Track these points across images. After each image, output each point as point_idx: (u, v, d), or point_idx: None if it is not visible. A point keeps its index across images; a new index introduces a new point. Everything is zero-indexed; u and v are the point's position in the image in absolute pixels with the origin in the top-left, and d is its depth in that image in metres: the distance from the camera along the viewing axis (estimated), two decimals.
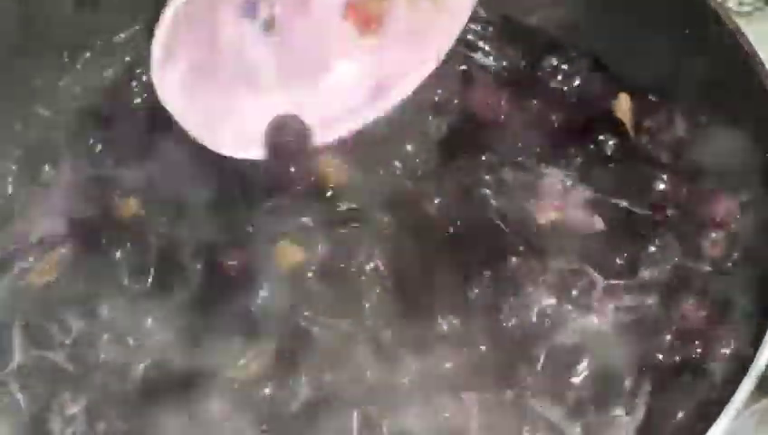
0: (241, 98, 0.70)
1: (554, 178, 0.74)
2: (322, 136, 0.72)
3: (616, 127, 0.76)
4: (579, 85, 0.80)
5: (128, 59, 0.83)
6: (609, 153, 0.76)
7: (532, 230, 0.72)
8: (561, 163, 0.75)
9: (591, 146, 0.75)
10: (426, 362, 0.67)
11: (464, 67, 0.80)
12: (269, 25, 0.68)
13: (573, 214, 0.73)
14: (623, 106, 0.77)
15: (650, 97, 0.77)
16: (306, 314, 0.69)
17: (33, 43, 0.77)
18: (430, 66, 0.66)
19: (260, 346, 0.67)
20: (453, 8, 0.64)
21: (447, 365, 0.67)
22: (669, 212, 0.73)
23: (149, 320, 0.69)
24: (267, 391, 0.66)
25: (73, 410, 0.67)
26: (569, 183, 0.74)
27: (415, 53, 0.67)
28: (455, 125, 0.78)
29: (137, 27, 0.83)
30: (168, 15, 0.65)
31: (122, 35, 0.83)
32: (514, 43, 0.82)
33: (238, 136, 0.71)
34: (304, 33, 0.68)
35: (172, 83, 0.67)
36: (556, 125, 0.78)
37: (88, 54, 0.82)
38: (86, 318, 0.70)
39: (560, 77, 0.79)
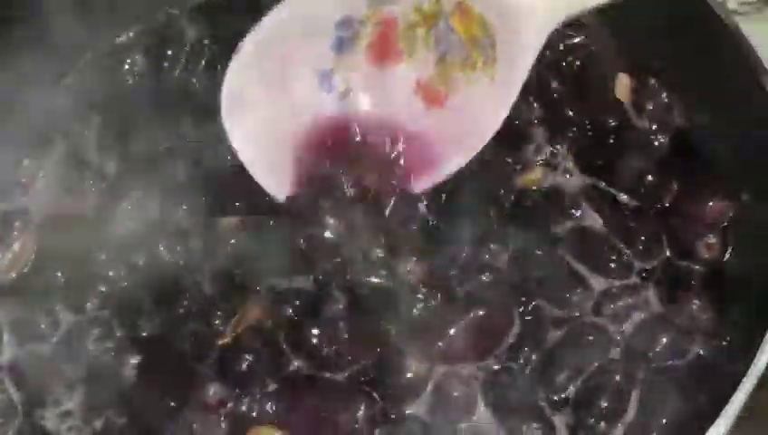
0: (309, 149, 0.74)
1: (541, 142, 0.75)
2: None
3: (614, 105, 0.76)
4: (583, 60, 0.79)
5: (128, 59, 0.83)
6: (604, 129, 0.75)
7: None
8: (554, 130, 0.76)
9: (587, 122, 0.75)
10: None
11: None
12: (344, 95, 0.74)
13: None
14: (623, 85, 0.77)
15: (652, 81, 0.77)
16: None
17: (34, 44, 0.78)
18: (485, 138, 0.70)
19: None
20: (507, 81, 0.69)
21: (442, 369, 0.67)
22: (660, 205, 0.73)
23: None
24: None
25: (68, 405, 0.68)
26: (557, 151, 0.75)
27: (471, 125, 0.71)
28: None
29: (137, 27, 0.84)
30: (236, 62, 0.70)
31: (122, 35, 0.84)
32: None
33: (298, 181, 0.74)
34: (377, 101, 0.74)
35: (242, 132, 0.72)
36: (555, 95, 0.77)
37: (88, 54, 0.83)
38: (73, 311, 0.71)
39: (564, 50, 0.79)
